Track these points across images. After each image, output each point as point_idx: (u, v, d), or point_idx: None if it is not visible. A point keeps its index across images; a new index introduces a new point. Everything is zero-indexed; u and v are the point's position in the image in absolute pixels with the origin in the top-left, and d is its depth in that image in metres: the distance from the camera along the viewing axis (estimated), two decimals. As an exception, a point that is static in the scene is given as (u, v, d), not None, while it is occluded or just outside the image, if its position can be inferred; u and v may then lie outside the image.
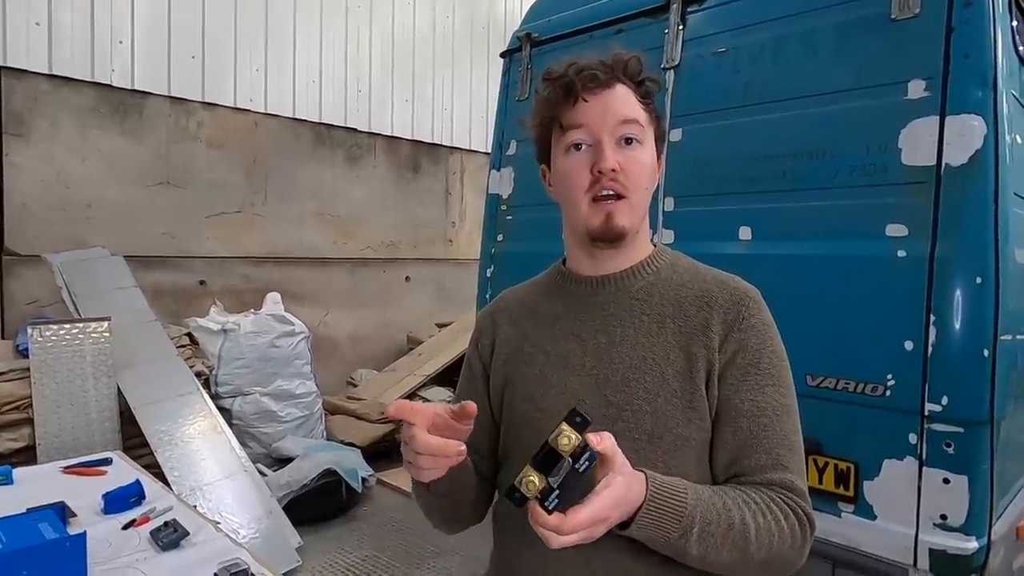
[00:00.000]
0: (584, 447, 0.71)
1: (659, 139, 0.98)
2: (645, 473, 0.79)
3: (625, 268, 0.98)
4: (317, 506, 3.63)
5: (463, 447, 0.80)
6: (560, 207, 0.99)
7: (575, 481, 0.71)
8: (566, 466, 0.71)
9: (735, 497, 0.84)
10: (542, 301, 1.04)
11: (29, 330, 3.24)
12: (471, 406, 0.80)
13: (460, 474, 0.91)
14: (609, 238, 0.92)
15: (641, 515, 0.77)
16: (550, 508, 0.70)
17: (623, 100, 0.91)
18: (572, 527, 0.70)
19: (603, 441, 0.73)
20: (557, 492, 0.70)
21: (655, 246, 1.02)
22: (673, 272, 0.98)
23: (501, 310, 1.09)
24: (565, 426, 0.71)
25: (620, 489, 0.74)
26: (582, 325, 0.97)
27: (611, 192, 0.90)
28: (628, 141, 0.91)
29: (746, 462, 0.88)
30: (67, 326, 3.31)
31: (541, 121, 0.96)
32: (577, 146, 0.92)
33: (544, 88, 0.95)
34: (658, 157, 0.98)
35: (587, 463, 0.71)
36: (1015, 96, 1.84)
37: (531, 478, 0.71)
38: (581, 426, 0.72)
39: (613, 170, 0.89)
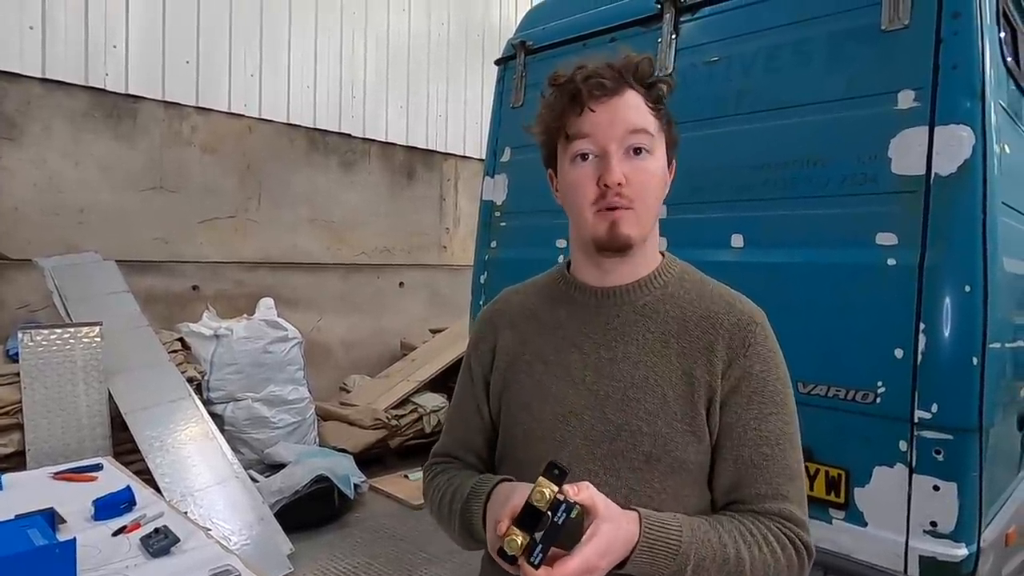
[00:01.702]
0: (560, 500, 0.72)
1: (671, 145, 0.95)
2: (639, 512, 0.80)
3: (632, 281, 0.95)
4: (309, 513, 3.62)
5: None
6: (567, 214, 0.98)
7: (557, 533, 0.72)
8: (546, 520, 0.72)
9: (731, 530, 0.84)
10: (544, 306, 1.02)
11: (20, 335, 3.22)
12: None
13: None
14: (614, 247, 0.90)
15: (636, 555, 0.77)
16: (535, 563, 0.71)
17: (632, 108, 0.88)
18: None
19: (581, 492, 0.74)
20: (540, 547, 0.71)
21: (663, 256, 1.00)
22: (680, 287, 0.96)
23: (501, 312, 1.07)
24: (542, 479, 0.72)
25: (606, 537, 0.74)
26: (584, 336, 0.95)
27: (616, 206, 0.87)
28: (636, 151, 0.88)
29: (746, 490, 0.88)
30: (58, 331, 3.29)
31: (547, 129, 0.93)
32: (583, 156, 0.89)
33: (550, 92, 0.92)
34: (670, 163, 0.95)
35: (564, 514, 0.72)
36: (1003, 106, 1.87)
37: (513, 537, 0.72)
38: (559, 478, 0.72)
39: (619, 184, 0.86)
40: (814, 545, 0.89)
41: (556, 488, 0.72)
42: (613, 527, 0.75)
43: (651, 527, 0.79)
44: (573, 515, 0.72)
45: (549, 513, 0.72)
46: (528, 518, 0.72)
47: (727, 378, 0.89)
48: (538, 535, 0.72)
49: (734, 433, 0.89)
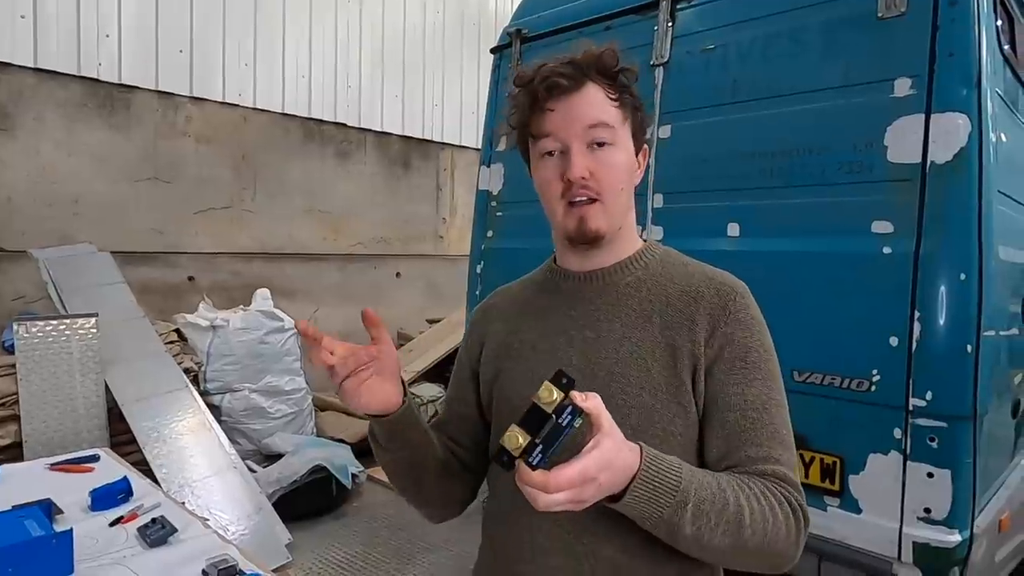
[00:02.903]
0: (566, 404, 0.69)
1: (638, 131, 0.97)
2: (640, 444, 0.77)
3: (613, 263, 0.98)
4: (307, 502, 3.63)
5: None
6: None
7: (559, 435, 0.69)
8: (550, 422, 0.69)
9: (729, 480, 0.82)
10: (533, 297, 1.05)
11: (15, 326, 3.21)
12: (369, 313, 0.89)
13: (420, 442, 0.96)
14: (585, 241, 0.93)
15: (634, 486, 0.74)
16: (534, 463, 0.69)
17: (590, 103, 0.90)
18: (558, 484, 0.68)
19: (589, 399, 0.71)
20: (540, 447, 0.69)
21: (644, 241, 1.02)
22: (662, 267, 0.98)
23: (493, 306, 1.10)
24: (548, 383, 0.70)
25: (608, 451, 0.71)
26: (570, 320, 0.98)
27: (583, 198, 0.90)
28: (599, 144, 0.90)
29: (736, 455, 0.87)
30: (53, 322, 3.28)
31: (515, 128, 0.97)
32: (549, 153, 0.92)
33: (515, 93, 0.95)
34: (640, 150, 0.97)
35: (570, 417, 0.69)
36: (999, 94, 1.86)
37: (514, 434, 0.69)
38: (566, 387, 0.70)
39: (583, 177, 0.89)
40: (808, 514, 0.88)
41: (563, 394, 0.70)
42: (615, 445, 0.72)
43: (651, 459, 0.76)
44: (578, 424, 0.70)
45: (554, 415, 0.69)
46: (531, 418, 0.70)
47: (710, 346, 0.90)
48: (539, 439, 0.69)
49: (719, 400, 0.89)
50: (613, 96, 0.92)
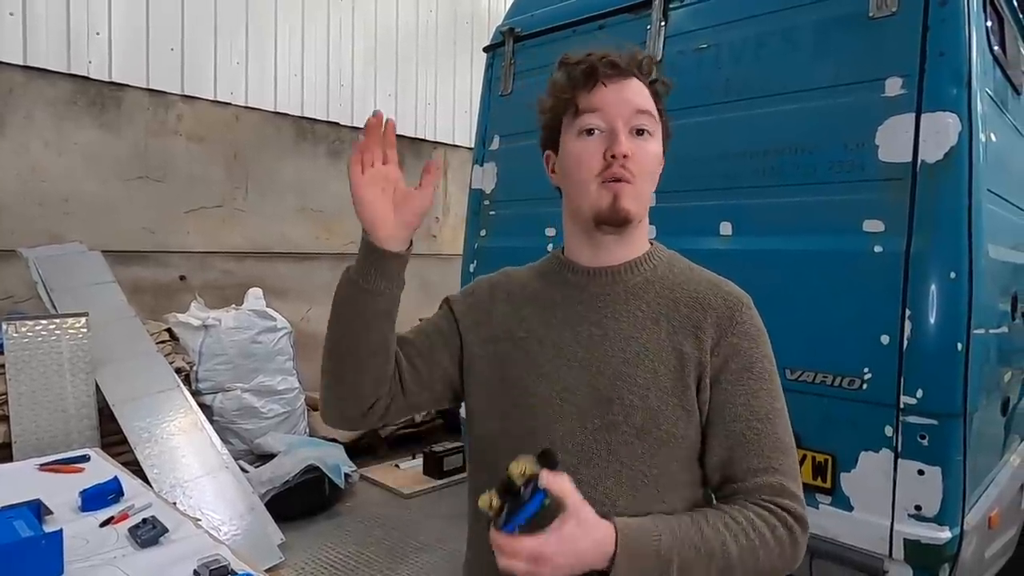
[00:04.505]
0: (532, 480, 0.74)
1: (666, 137, 1.00)
2: (614, 523, 0.80)
3: (623, 261, 0.99)
4: (300, 502, 3.62)
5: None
6: (562, 193, 1.00)
7: (520, 506, 0.74)
8: (518, 495, 0.75)
9: (714, 523, 0.85)
10: (541, 287, 1.04)
11: (4, 326, 3.19)
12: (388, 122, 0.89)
13: (393, 297, 0.95)
14: (615, 221, 0.93)
15: (617, 563, 0.78)
16: (499, 526, 0.75)
17: (639, 92, 0.94)
18: (511, 550, 0.74)
19: (555, 482, 0.75)
20: (505, 515, 0.75)
21: (651, 244, 1.03)
22: (669, 271, 0.99)
23: (501, 285, 1.08)
24: (524, 457, 0.75)
25: (568, 536, 0.75)
26: (576, 315, 0.98)
27: (620, 178, 0.91)
28: (640, 132, 0.93)
29: (738, 465, 0.90)
30: (43, 322, 3.26)
31: (556, 104, 0.97)
32: (591, 131, 0.93)
33: (560, 73, 0.97)
34: (664, 154, 1.00)
35: (530, 493, 0.74)
36: (989, 94, 1.88)
37: (488, 497, 0.75)
38: (545, 463, 0.75)
39: (625, 156, 0.90)
40: (807, 518, 0.90)
41: (536, 470, 0.74)
42: (578, 529, 0.76)
43: (628, 537, 0.80)
44: (547, 503, 0.74)
45: (521, 488, 0.74)
46: (504, 486, 0.75)
47: (716, 355, 0.92)
48: (505, 507, 0.75)
49: (726, 410, 0.91)
50: (653, 95, 0.96)
